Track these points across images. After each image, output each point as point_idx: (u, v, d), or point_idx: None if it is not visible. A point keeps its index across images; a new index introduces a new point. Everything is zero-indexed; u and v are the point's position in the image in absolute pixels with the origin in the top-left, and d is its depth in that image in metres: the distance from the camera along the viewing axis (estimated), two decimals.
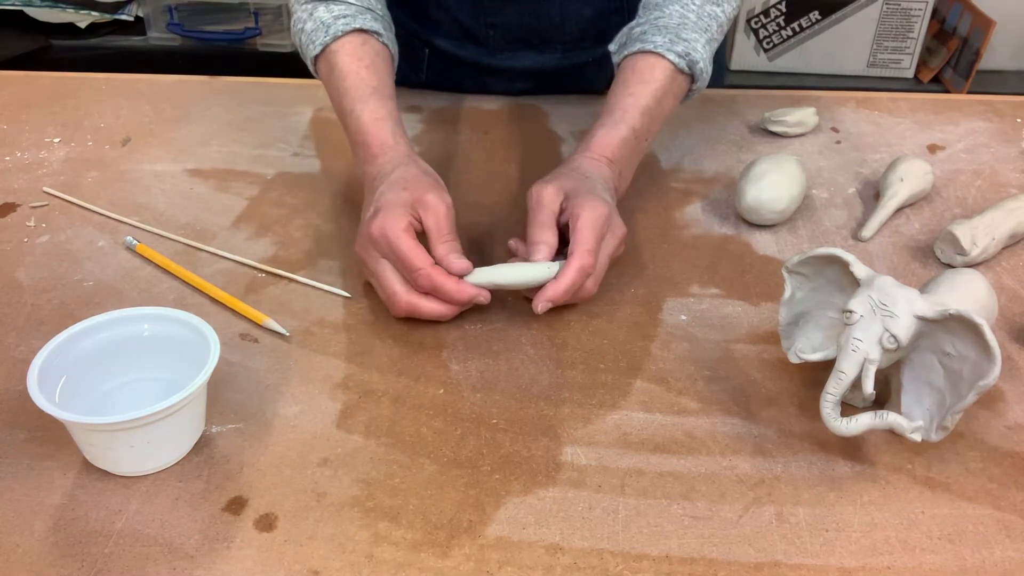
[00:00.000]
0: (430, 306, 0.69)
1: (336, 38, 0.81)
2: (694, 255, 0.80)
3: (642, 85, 0.80)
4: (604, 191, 0.74)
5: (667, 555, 0.54)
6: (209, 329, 0.60)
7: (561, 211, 0.72)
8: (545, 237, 0.71)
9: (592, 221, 0.70)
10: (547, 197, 0.72)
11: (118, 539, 0.54)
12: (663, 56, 0.80)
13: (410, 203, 0.70)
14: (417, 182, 0.72)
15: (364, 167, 0.78)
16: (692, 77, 0.83)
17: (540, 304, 0.69)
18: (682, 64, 0.81)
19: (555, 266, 0.69)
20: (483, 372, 0.67)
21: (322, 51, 0.82)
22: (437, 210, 0.70)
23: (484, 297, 0.69)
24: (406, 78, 1.07)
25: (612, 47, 0.86)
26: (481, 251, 0.80)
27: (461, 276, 0.69)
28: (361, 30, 0.82)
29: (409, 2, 1.01)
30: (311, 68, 0.85)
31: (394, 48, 0.86)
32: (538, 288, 0.69)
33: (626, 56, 0.83)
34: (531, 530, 0.56)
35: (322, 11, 0.82)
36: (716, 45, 0.85)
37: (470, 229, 0.82)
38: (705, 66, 0.82)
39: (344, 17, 0.81)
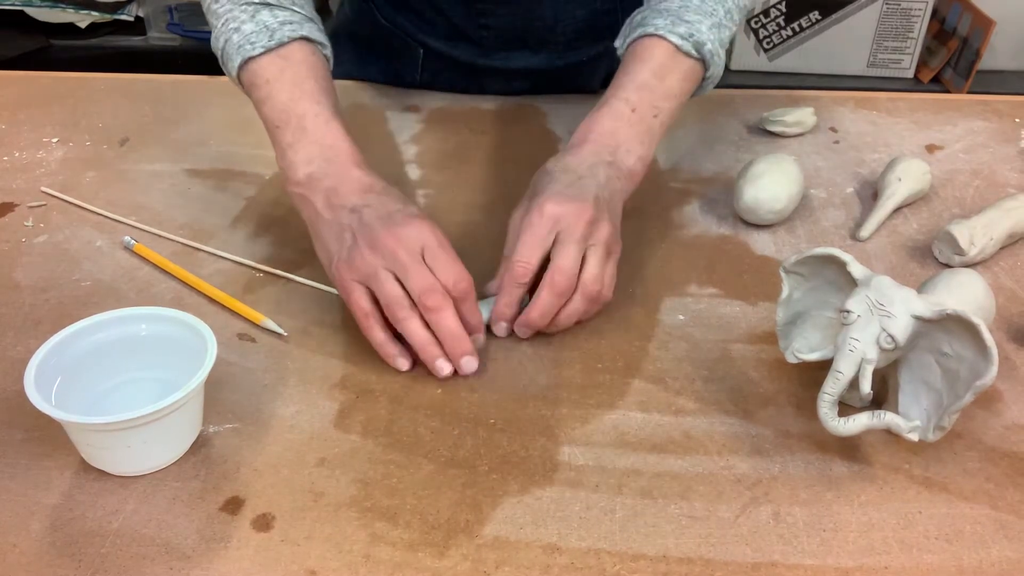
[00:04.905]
0: (392, 349, 0.67)
1: (282, 44, 0.74)
2: (692, 255, 0.80)
3: (638, 64, 0.77)
4: (592, 185, 0.71)
5: (664, 555, 0.54)
6: (207, 329, 0.60)
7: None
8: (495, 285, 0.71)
9: (525, 225, 0.69)
10: (510, 241, 0.71)
11: (115, 539, 0.55)
12: (663, 37, 0.77)
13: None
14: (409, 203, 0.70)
15: (327, 168, 0.71)
16: (703, 63, 0.78)
17: (500, 330, 0.70)
18: (686, 46, 0.77)
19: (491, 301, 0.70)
20: (481, 372, 0.67)
21: (262, 53, 0.74)
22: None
23: (469, 366, 0.67)
24: (401, 79, 1.07)
25: (617, 42, 0.82)
26: (479, 251, 0.80)
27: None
28: (308, 39, 0.76)
29: (403, 3, 1.01)
30: (232, 69, 0.76)
31: (330, 65, 0.80)
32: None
33: (628, 44, 0.80)
34: (528, 530, 0.56)
35: (266, 15, 0.75)
36: (728, 32, 0.80)
37: (467, 229, 0.83)
38: (714, 48, 0.78)
39: (290, 24, 0.75)
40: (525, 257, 0.68)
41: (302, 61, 0.75)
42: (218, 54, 0.78)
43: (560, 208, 0.69)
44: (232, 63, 0.76)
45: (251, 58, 0.74)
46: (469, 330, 0.67)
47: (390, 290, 0.65)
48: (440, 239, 0.67)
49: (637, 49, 0.78)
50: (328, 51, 0.79)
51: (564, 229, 0.68)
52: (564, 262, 0.68)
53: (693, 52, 0.77)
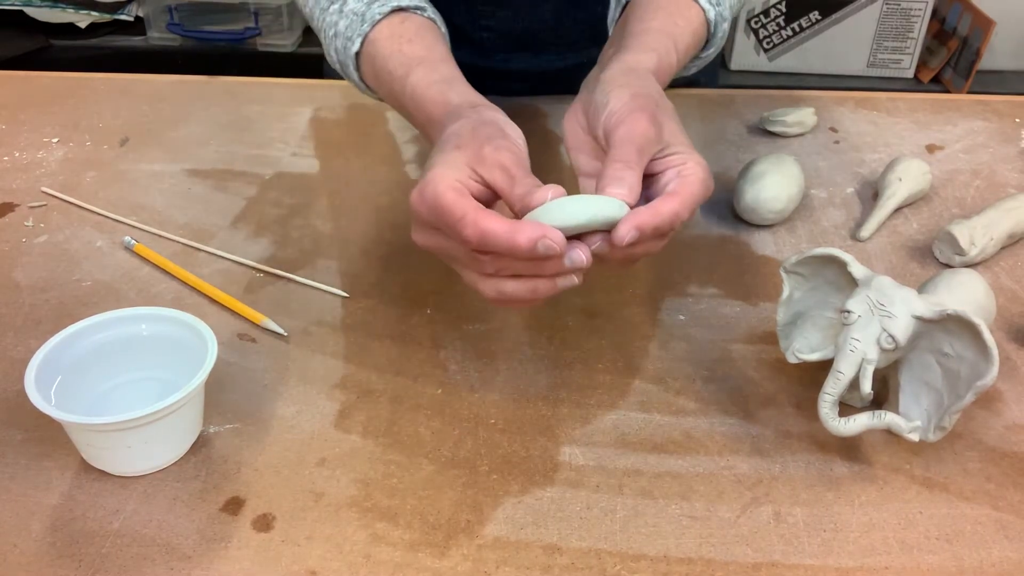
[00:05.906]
0: (515, 286, 0.55)
1: (374, 24, 0.69)
2: (692, 255, 0.80)
3: (683, 20, 0.68)
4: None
5: (665, 555, 0.54)
6: (207, 329, 0.60)
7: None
8: (628, 177, 0.55)
9: (703, 187, 0.57)
10: (644, 133, 0.57)
11: (115, 539, 0.54)
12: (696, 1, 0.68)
13: (463, 164, 0.56)
14: (472, 136, 0.58)
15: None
16: (706, 41, 0.71)
17: (629, 231, 0.53)
18: (711, 13, 0.69)
19: (625, 207, 0.54)
20: (481, 372, 0.67)
21: (362, 46, 0.69)
22: (500, 161, 0.56)
23: (554, 239, 0.51)
24: None
25: None
26: None
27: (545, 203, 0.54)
28: (399, 8, 0.70)
29: None
30: (355, 77, 0.72)
31: (441, 23, 0.73)
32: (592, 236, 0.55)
33: None
34: (529, 530, 0.56)
35: (352, 2, 0.71)
36: (733, 16, 0.74)
37: None
38: (727, 28, 0.71)
39: (378, 1, 0.70)
40: (685, 215, 0.56)
41: (388, 38, 0.69)
42: (338, 69, 0.74)
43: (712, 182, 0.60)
44: (349, 70, 0.71)
45: (357, 54, 0.70)
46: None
47: (467, 281, 0.58)
48: (439, 205, 0.54)
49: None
50: (429, 12, 0.72)
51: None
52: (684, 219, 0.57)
53: (711, 26, 0.70)
